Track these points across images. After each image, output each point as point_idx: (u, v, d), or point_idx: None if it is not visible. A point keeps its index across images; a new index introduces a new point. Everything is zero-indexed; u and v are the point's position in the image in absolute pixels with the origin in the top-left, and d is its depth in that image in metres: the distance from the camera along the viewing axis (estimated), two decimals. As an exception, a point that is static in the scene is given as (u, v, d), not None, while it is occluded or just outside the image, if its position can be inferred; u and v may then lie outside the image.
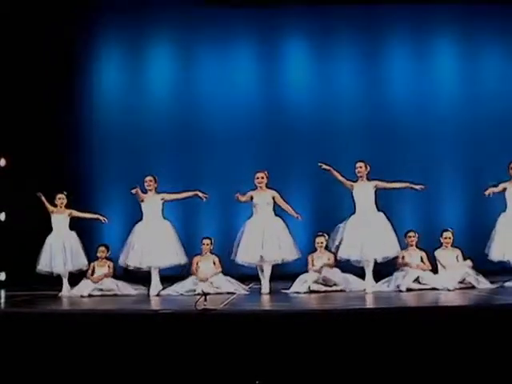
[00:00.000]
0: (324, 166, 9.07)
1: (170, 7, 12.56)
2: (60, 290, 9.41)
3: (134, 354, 6.23)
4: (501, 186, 9.36)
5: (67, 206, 9.69)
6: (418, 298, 8.06)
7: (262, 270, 8.97)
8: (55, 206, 9.62)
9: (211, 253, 9.57)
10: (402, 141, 12.38)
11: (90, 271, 9.57)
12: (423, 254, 9.35)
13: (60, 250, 9.43)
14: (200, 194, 9.35)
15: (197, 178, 12.29)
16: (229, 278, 9.38)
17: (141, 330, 6.35)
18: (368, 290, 8.64)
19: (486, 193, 9.27)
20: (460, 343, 6.13)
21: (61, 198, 9.66)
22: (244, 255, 8.92)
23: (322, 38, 12.63)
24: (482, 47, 12.56)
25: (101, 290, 9.35)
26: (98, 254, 9.67)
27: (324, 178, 12.16)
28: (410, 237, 9.38)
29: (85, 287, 9.34)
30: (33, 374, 6.25)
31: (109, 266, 9.61)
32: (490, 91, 12.47)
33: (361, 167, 9.07)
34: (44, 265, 9.44)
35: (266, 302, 8.05)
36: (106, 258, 9.68)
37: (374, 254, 8.76)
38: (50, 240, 9.52)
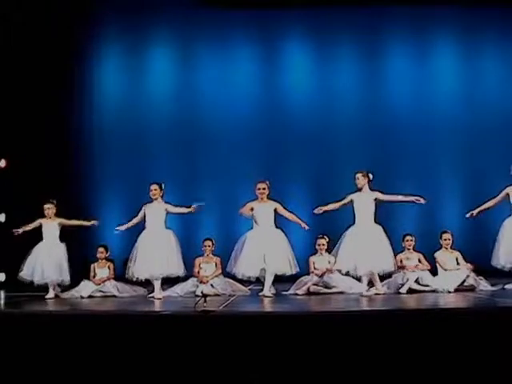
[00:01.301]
0: (318, 211, 8.87)
1: (171, 8, 12.58)
2: (60, 292, 9.40)
3: (133, 356, 6.23)
4: (504, 192, 9.20)
5: (57, 215, 9.49)
6: (418, 300, 8.04)
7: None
8: (43, 216, 9.41)
9: (213, 254, 9.56)
10: (403, 143, 12.39)
11: (91, 273, 9.55)
12: (420, 256, 9.37)
13: (45, 258, 9.25)
14: (195, 206, 9.00)
15: (197, 179, 12.31)
16: (229, 279, 9.37)
17: (140, 331, 6.34)
18: (364, 293, 8.54)
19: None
20: (460, 346, 6.12)
21: (49, 208, 9.43)
22: (245, 269, 8.74)
23: (323, 40, 12.64)
24: (483, 49, 12.57)
25: (101, 291, 9.35)
26: (98, 255, 9.65)
27: (324, 179, 12.23)
28: (408, 240, 9.41)
29: (85, 288, 9.33)
30: (32, 376, 6.24)
31: (109, 268, 9.60)
32: (491, 93, 12.49)
33: (358, 178, 8.78)
34: (26, 273, 9.26)
35: (265, 304, 8.03)
36: (106, 259, 9.67)
37: (368, 268, 8.60)
38: (38, 249, 9.33)
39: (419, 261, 9.32)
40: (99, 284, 9.39)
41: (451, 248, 9.45)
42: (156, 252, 8.85)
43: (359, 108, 12.54)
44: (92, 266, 9.62)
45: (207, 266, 9.41)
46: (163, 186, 9.17)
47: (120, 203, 12.21)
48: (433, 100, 12.57)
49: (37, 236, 9.47)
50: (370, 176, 8.82)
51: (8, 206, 11.46)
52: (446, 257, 9.34)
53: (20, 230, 9.34)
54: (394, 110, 12.55)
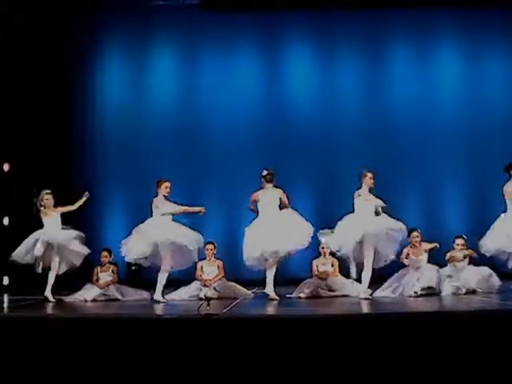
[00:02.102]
0: None
1: (173, 12, 12.61)
2: (64, 295, 9.34)
3: (137, 359, 6.23)
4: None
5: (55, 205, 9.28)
6: (422, 303, 8.03)
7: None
8: (43, 207, 9.20)
9: (215, 257, 9.56)
10: (405, 145, 12.42)
11: (94, 276, 9.50)
12: (426, 246, 9.17)
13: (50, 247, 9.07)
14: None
15: (200, 181, 12.32)
16: (232, 283, 9.38)
17: (144, 335, 6.35)
18: (361, 295, 8.51)
19: None
20: (464, 349, 6.11)
21: (47, 199, 9.20)
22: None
23: (325, 43, 12.68)
24: (485, 52, 12.60)
25: (105, 295, 9.32)
26: (102, 260, 9.57)
27: (327, 182, 12.25)
28: (414, 237, 9.16)
29: (88, 292, 9.30)
30: (36, 380, 6.25)
31: (113, 271, 9.55)
32: (493, 96, 12.52)
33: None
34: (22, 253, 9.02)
35: (268, 307, 8.03)
36: (110, 263, 9.64)
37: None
38: (37, 235, 9.08)
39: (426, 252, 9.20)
40: (104, 288, 9.37)
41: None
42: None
43: (362, 110, 12.57)
44: (95, 269, 9.56)
45: (209, 269, 9.41)
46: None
47: (123, 206, 12.24)
48: (435, 102, 12.60)
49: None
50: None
51: (11, 209, 11.47)
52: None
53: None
54: (397, 112, 12.58)
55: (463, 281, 8.96)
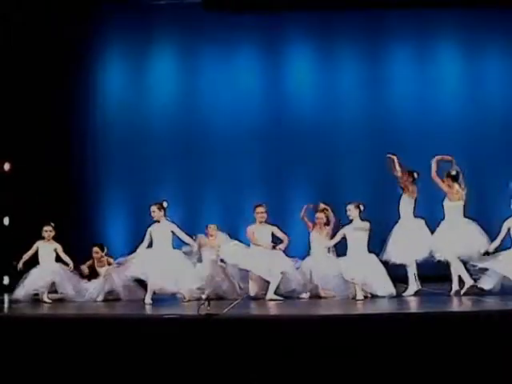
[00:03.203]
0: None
1: (175, 12, 12.62)
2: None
3: (137, 359, 6.24)
4: (505, 227, 8.81)
5: (55, 238, 9.28)
6: (421, 304, 8.04)
7: None
8: (42, 237, 9.22)
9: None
10: (406, 146, 12.36)
11: (86, 271, 9.26)
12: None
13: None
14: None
15: (199, 181, 12.33)
16: (233, 283, 9.38)
17: (144, 334, 6.36)
18: (358, 297, 8.56)
19: None
20: (464, 350, 6.12)
21: (48, 231, 9.22)
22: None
23: (326, 44, 12.70)
24: (485, 52, 12.62)
25: (108, 293, 9.15)
26: (94, 255, 9.32)
27: (328, 182, 12.25)
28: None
29: (93, 291, 9.20)
30: (36, 381, 6.26)
31: (109, 263, 9.30)
32: (494, 96, 12.52)
33: (349, 210, 8.85)
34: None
35: (268, 307, 8.05)
36: (106, 255, 9.40)
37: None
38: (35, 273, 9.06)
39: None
40: (105, 277, 9.09)
41: None
42: (170, 269, 8.48)
43: (362, 110, 12.59)
44: (88, 263, 9.37)
45: (211, 271, 9.40)
46: (165, 204, 8.74)
47: (123, 205, 12.25)
48: (435, 102, 12.61)
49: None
50: (361, 207, 8.83)
51: (12, 209, 11.47)
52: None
53: (21, 264, 9.15)
54: (397, 112, 12.60)
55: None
